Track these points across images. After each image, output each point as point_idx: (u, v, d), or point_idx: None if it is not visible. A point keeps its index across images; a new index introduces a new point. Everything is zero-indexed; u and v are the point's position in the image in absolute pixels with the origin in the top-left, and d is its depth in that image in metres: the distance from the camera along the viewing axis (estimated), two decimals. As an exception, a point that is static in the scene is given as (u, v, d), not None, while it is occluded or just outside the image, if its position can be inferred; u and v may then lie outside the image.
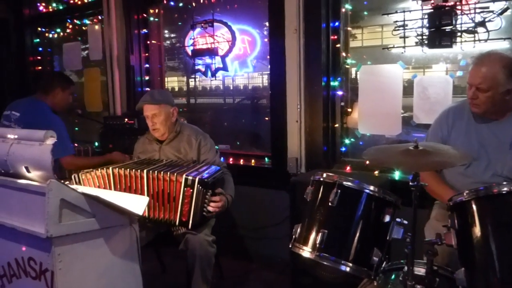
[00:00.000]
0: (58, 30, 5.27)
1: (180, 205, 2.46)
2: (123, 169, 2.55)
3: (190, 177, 2.43)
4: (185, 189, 2.44)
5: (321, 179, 1.91)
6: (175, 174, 2.47)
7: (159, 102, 2.79)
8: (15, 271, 2.03)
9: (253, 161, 3.75)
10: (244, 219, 3.66)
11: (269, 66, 3.54)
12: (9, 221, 1.94)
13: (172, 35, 4.76)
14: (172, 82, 4.95)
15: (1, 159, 1.97)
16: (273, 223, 3.45)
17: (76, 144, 4.08)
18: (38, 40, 5.39)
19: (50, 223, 1.76)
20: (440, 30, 2.62)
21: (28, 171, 1.90)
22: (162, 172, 2.49)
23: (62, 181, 1.84)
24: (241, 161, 3.79)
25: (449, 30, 2.61)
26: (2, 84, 5.21)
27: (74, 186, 1.94)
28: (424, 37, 2.70)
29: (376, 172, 3.08)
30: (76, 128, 5.04)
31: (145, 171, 2.51)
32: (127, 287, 2.10)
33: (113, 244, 2.02)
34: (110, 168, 2.55)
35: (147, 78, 4.46)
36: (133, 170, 2.53)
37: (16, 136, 1.99)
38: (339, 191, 1.81)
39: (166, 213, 2.52)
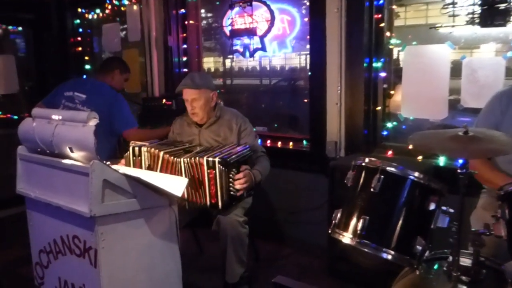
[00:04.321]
0: (98, 11, 5.36)
1: (208, 188, 2.51)
2: (173, 157, 2.59)
3: (210, 159, 2.47)
4: (208, 171, 2.48)
5: (363, 164, 1.88)
6: (198, 158, 2.51)
7: (199, 87, 2.79)
8: (60, 248, 2.13)
9: (291, 143, 3.74)
10: (281, 202, 3.67)
11: (308, 47, 3.49)
12: (55, 200, 2.03)
13: (209, 15, 4.76)
14: (209, 62, 4.96)
15: (47, 140, 2.05)
16: (310, 207, 3.44)
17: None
18: (78, 21, 5.50)
19: (94, 202, 1.83)
20: (493, 8, 2.49)
21: (72, 152, 1.97)
22: (192, 158, 2.54)
23: (104, 161, 1.90)
24: (279, 144, 3.78)
25: (503, 8, 2.48)
26: (44, 66, 5.38)
27: (115, 167, 2.00)
28: (475, 15, 2.57)
29: (420, 158, 3.00)
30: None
31: (181, 158, 2.56)
32: (166, 267, 2.17)
33: (153, 225, 2.08)
34: (162, 153, 2.61)
35: (184, 59, 4.48)
36: (177, 157, 2.58)
37: (60, 117, 2.05)
38: (382, 177, 1.77)
39: (199, 198, 2.57)
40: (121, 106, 3.34)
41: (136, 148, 2.71)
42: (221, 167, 2.46)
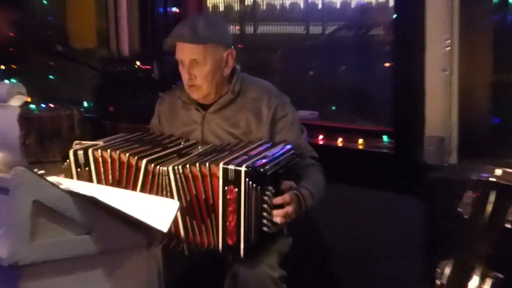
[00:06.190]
0: None
1: (222, 217, 2.53)
2: (153, 165, 2.62)
3: (231, 167, 2.47)
4: (226, 188, 2.49)
5: (493, 179, 1.91)
6: (207, 163, 2.52)
7: (204, 40, 2.80)
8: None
9: (360, 141, 3.76)
10: (342, 242, 3.67)
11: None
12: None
13: None
14: (215, -3, 5.01)
15: None
16: (394, 252, 3.44)
17: (51, 105, 4.25)
18: None
19: (17, 241, 1.84)
20: None
21: (-20, 152, 1.99)
22: (187, 165, 2.55)
23: (36, 170, 1.90)
24: (339, 141, 3.81)
25: None
26: None
27: (54, 179, 2.00)
28: None
29: None
30: (51, 77, 5.22)
31: (170, 167, 2.58)
32: None
33: (120, 279, 2.09)
34: (136, 158, 2.64)
35: (174, -9, 4.54)
36: (161, 165, 2.62)
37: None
38: (528, 203, 1.79)
39: (204, 236, 2.61)
40: None
41: (81, 152, 2.71)
42: (249, 181, 2.46)
